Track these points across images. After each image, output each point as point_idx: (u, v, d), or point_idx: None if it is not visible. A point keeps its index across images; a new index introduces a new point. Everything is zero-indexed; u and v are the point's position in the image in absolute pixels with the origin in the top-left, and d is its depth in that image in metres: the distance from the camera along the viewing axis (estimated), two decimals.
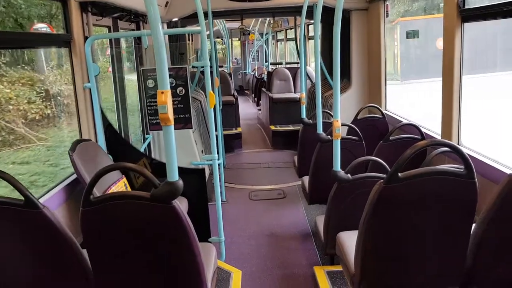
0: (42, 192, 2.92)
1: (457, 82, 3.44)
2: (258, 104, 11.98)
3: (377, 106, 4.82)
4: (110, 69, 4.36)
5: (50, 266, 2.14)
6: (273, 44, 14.14)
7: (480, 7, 3.17)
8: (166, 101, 1.75)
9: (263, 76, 12.13)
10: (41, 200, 2.67)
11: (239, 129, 8.29)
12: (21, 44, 3.31)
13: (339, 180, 2.87)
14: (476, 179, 1.95)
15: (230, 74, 10.88)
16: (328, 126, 3.75)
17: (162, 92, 1.76)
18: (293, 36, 13.16)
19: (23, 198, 1.96)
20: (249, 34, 14.94)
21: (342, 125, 3.88)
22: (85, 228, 1.99)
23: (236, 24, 13.85)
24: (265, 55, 14.53)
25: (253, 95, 13.86)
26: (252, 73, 14.99)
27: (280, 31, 13.76)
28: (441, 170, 1.97)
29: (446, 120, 3.57)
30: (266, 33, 13.74)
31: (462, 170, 1.96)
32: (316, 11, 3.97)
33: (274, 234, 4.40)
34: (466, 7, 3.26)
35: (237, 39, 16.42)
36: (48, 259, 2.12)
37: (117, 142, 3.73)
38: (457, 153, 1.99)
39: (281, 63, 13.04)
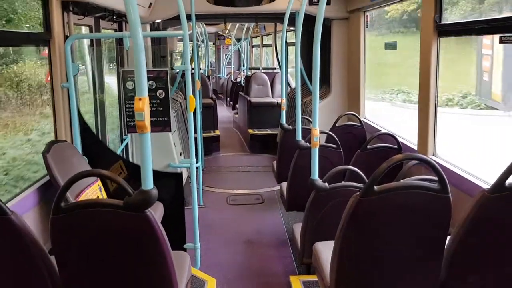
0: (13, 193, 2.85)
1: (433, 95, 3.53)
2: (234, 108, 12.03)
3: (356, 114, 4.90)
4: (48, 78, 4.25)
5: (16, 274, 2.07)
6: (248, 49, 14.27)
7: (455, 23, 3.28)
8: (143, 108, 1.73)
9: (240, 80, 12.20)
10: (12, 203, 2.61)
11: (217, 132, 8.29)
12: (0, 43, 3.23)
13: (316, 188, 2.90)
14: (449, 194, 2.00)
15: (208, 77, 10.89)
16: (307, 132, 3.80)
17: (140, 99, 1.73)
18: (269, 42, 13.34)
19: None
20: (224, 38, 15.03)
21: (321, 132, 3.94)
22: (54, 236, 1.95)
23: (212, 29, 13.90)
24: (240, 60, 14.60)
25: (228, 98, 13.93)
26: (227, 77, 15.07)
27: (256, 37, 13.89)
28: (416, 184, 2.02)
29: (422, 132, 3.66)
30: (245, 38, 13.83)
31: (436, 184, 2.01)
32: (298, 18, 4.02)
33: (251, 240, 4.40)
34: (442, 22, 3.36)
35: (212, 43, 16.47)
36: (15, 266, 2.05)
37: (93, 144, 3.67)
38: (431, 168, 2.04)
39: (258, 68, 13.15)
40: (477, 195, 1.94)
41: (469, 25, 3.06)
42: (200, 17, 6.18)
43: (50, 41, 3.32)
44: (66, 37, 3.43)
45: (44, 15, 3.30)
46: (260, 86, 9.49)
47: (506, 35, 2.54)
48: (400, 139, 3.95)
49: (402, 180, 2.42)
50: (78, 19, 3.76)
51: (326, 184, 2.89)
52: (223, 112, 12.63)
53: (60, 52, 3.38)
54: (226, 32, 12.25)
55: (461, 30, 3.21)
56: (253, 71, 12.15)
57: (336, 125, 4.65)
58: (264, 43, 13.91)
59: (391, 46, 4.75)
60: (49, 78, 3.81)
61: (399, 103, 5.92)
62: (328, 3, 5.60)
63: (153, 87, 3.59)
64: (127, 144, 4.97)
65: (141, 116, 1.74)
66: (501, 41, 2.57)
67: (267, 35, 13.00)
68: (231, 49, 15.27)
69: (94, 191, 3.10)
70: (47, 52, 3.43)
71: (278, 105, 8.32)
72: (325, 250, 2.63)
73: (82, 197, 2.89)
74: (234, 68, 15.01)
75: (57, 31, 3.34)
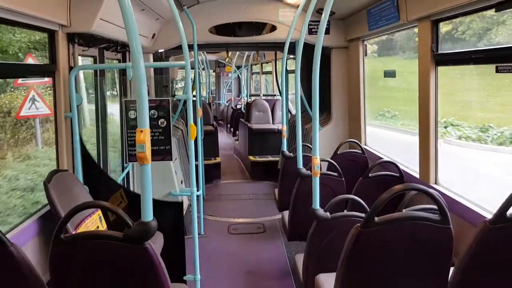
0: (14, 223, 2.84)
1: (433, 123, 3.56)
2: (234, 134, 12.09)
3: (357, 141, 4.92)
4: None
5: None
6: (247, 76, 14.51)
7: (452, 52, 3.33)
8: (144, 140, 1.75)
9: (240, 107, 12.29)
10: (12, 233, 2.61)
11: (218, 159, 8.29)
12: (6, 74, 3.30)
13: (318, 218, 2.87)
14: (451, 225, 1.99)
15: (209, 104, 11.00)
16: (308, 160, 3.79)
17: (141, 131, 1.76)
18: (269, 69, 13.58)
19: None
20: (224, 66, 15.28)
21: (322, 160, 3.94)
22: (54, 267, 1.93)
23: (212, 57, 14.18)
24: (239, 87, 14.77)
25: (228, 125, 14.02)
26: (227, 104, 15.21)
27: (256, 64, 14.13)
28: (416, 215, 2.01)
29: (424, 160, 3.66)
30: (246, 66, 14.06)
31: (437, 215, 2.00)
32: (297, 47, 4.10)
33: (252, 272, 4.32)
34: (440, 52, 3.42)
35: (212, 70, 16.79)
36: None
37: (94, 173, 3.68)
38: (431, 199, 2.03)
39: (258, 95, 13.31)
40: (478, 226, 1.92)
41: (466, 55, 3.11)
42: (202, 47, 6.31)
43: (55, 72, 3.39)
44: (70, 68, 3.50)
45: (50, 47, 3.38)
46: (260, 112, 9.57)
47: (501, 64, 2.58)
48: (402, 167, 3.94)
49: (404, 210, 2.40)
50: (83, 50, 3.85)
51: (328, 213, 2.86)
52: (224, 138, 12.71)
53: (65, 82, 3.44)
54: (228, 60, 12.49)
55: (458, 60, 3.26)
56: (253, 97, 12.30)
57: (338, 152, 4.66)
58: (264, 70, 14.15)
59: (390, 74, 4.82)
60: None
61: (454, 141, 4.44)
62: (327, 32, 5.72)
63: (155, 116, 3.63)
64: (128, 172, 4.98)
65: (142, 148, 1.76)
66: (497, 71, 2.61)
67: (267, 63, 13.23)
68: (231, 76, 15.50)
69: (94, 221, 3.08)
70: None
71: (279, 132, 8.35)
72: (328, 282, 2.59)
73: (82, 228, 2.88)
74: (234, 95, 15.19)
75: (62, 63, 3.41)
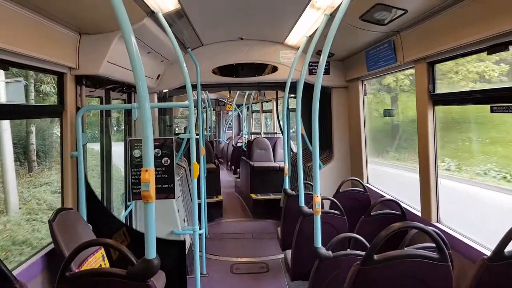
0: (19, 261, 2.84)
1: (433, 162, 3.61)
2: (235, 172, 12.09)
3: (359, 180, 4.94)
4: None
5: None
6: (247, 115, 14.75)
7: (448, 93, 3.44)
8: (149, 179, 1.80)
9: (241, 144, 12.39)
10: (18, 270, 2.61)
11: (220, 197, 8.26)
12: (17, 116, 3.40)
13: (320, 257, 2.86)
14: (449, 263, 2.00)
15: (211, 142, 11.09)
16: (310, 198, 3.81)
17: (146, 170, 1.82)
18: (269, 108, 13.81)
19: None
20: (224, 104, 15.53)
21: (324, 199, 3.96)
22: None
23: (212, 95, 14.48)
24: (239, 125, 14.90)
25: (229, 163, 14.09)
26: (227, 142, 15.33)
27: (256, 103, 14.39)
28: (415, 253, 2.02)
29: (425, 199, 3.67)
30: (246, 104, 14.31)
31: (436, 253, 2.01)
32: (298, 87, 4.23)
33: None
34: (436, 92, 3.53)
35: (212, 109, 17.11)
36: None
37: (98, 211, 3.70)
38: (429, 236, 2.05)
39: (259, 133, 13.44)
40: (477, 263, 1.93)
41: (462, 95, 3.21)
42: (205, 87, 6.48)
43: (63, 113, 3.50)
44: (77, 108, 3.61)
45: (59, 89, 3.51)
46: (262, 150, 9.64)
47: (496, 105, 2.67)
48: (403, 205, 3.95)
49: (405, 248, 2.41)
50: (90, 91, 3.98)
51: (330, 252, 2.86)
52: (224, 176, 12.74)
53: (71, 122, 3.54)
54: (230, 100, 12.76)
55: (454, 100, 3.36)
56: (254, 135, 12.42)
57: (340, 190, 4.68)
58: (264, 108, 14.39)
59: (389, 113, 4.92)
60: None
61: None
62: (327, 73, 5.90)
63: (159, 154, 3.70)
64: (131, 211, 4.98)
65: (147, 187, 1.81)
66: (492, 111, 2.69)
67: (267, 101, 13.47)
68: (232, 115, 15.72)
69: (97, 259, 3.07)
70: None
71: (281, 170, 8.39)
72: None
73: (85, 266, 2.87)
74: (234, 132, 15.35)
75: (70, 103, 3.53)
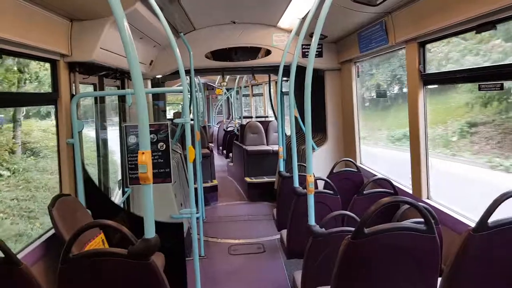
0: (20, 247, 2.90)
1: (423, 141, 3.68)
2: (227, 157, 12.15)
3: (352, 160, 5.02)
4: None
5: None
6: (237, 98, 14.74)
7: (438, 72, 3.50)
8: (146, 161, 1.86)
9: (233, 129, 12.43)
10: (20, 255, 2.68)
11: (214, 182, 8.35)
12: (12, 104, 3.42)
13: (313, 234, 2.95)
14: (435, 234, 2.08)
15: (204, 127, 11.12)
16: (304, 179, 3.87)
17: (143, 153, 1.87)
18: (259, 92, 13.78)
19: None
20: (213, 88, 15.44)
21: (318, 179, 4.04)
22: (62, 285, 2.00)
23: (202, 80, 14.45)
24: (229, 109, 14.80)
25: (220, 147, 14.15)
26: (217, 126, 15.35)
27: (246, 87, 14.34)
28: (403, 226, 2.10)
29: (415, 177, 3.76)
30: (237, 89, 14.25)
31: (423, 225, 2.09)
32: (291, 70, 4.26)
33: None
34: (427, 72, 3.58)
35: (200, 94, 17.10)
36: None
37: (96, 197, 3.75)
38: (416, 210, 2.13)
39: (251, 117, 13.47)
40: (462, 234, 2.01)
41: (451, 75, 3.26)
42: (199, 71, 6.48)
43: (57, 100, 3.51)
44: (72, 96, 3.62)
45: (52, 77, 3.51)
46: (255, 134, 9.70)
47: (484, 83, 2.73)
48: (395, 184, 4.04)
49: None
50: (83, 78, 3.98)
51: (323, 229, 2.94)
52: (217, 161, 12.82)
53: (66, 109, 3.55)
54: (223, 84, 12.77)
55: (444, 79, 3.41)
56: (245, 120, 12.47)
57: (334, 171, 4.76)
58: (254, 92, 14.35)
59: (381, 95, 4.97)
60: None
61: None
62: (320, 55, 5.91)
63: (155, 140, 3.74)
64: (128, 196, 5.04)
65: (144, 169, 1.86)
66: (480, 89, 2.75)
67: (257, 85, 13.44)
68: (221, 99, 15.66)
69: (97, 243, 3.14)
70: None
71: (274, 153, 8.47)
72: None
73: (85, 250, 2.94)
74: (225, 117, 15.33)
75: (64, 91, 3.54)
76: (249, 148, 8.96)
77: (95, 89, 4.53)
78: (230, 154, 11.11)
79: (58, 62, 3.47)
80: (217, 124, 16.26)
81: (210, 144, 14.97)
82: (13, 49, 2.81)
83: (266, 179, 8.22)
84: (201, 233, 5.45)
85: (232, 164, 10.55)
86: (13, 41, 2.70)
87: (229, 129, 13.38)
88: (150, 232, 1.94)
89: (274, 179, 7.55)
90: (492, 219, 1.99)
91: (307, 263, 3.05)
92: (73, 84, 3.71)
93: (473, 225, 2.88)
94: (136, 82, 1.91)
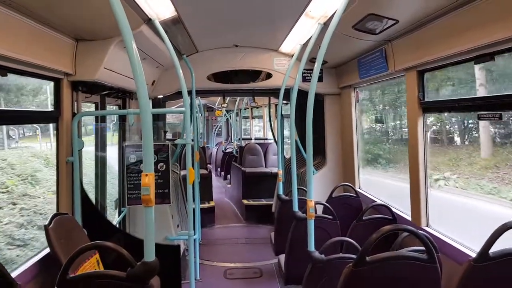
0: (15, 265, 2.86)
1: (422, 167, 3.69)
2: (225, 178, 12.10)
3: (351, 185, 5.02)
4: None
5: None
6: (236, 120, 14.81)
7: (437, 100, 3.54)
8: (149, 183, 1.84)
9: (231, 150, 12.44)
10: (14, 274, 2.63)
11: (212, 203, 8.28)
12: (14, 121, 3.42)
13: (313, 260, 2.92)
14: (437, 264, 2.06)
15: (203, 148, 11.14)
16: (304, 203, 3.87)
17: (147, 175, 1.85)
18: (258, 114, 13.86)
19: None
20: (213, 110, 15.54)
21: (317, 204, 4.02)
22: None
23: (202, 101, 14.59)
24: (228, 130, 14.84)
25: (219, 168, 14.14)
26: (216, 148, 15.41)
27: (246, 109, 14.43)
28: (405, 255, 2.09)
29: (414, 204, 3.75)
30: (237, 110, 14.34)
31: (424, 254, 2.08)
32: (292, 94, 4.30)
33: None
34: (426, 100, 3.62)
35: (200, 114, 17.23)
36: None
37: (93, 216, 3.72)
38: (418, 238, 2.12)
39: (250, 139, 13.50)
40: (463, 265, 2.00)
41: (450, 103, 3.30)
42: (200, 93, 6.53)
43: (59, 118, 3.52)
44: (73, 114, 3.63)
45: (55, 95, 3.54)
46: (254, 156, 9.70)
47: (482, 112, 2.76)
48: (394, 210, 4.02)
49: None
50: (85, 97, 4.01)
51: (323, 255, 2.91)
52: (214, 182, 12.76)
53: (67, 128, 3.56)
54: (224, 106, 12.88)
55: (443, 107, 3.45)
56: (244, 141, 12.50)
57: (332, 195, 4.74)
58: (254, 115, 14.43)
59: (379, 121, 5.01)
60: None
61: None
62: (320, 80, 5.99)
63: (155, 160, 3.73)
64: (124, 216, 4.99)
65: (147, 191, 1.85)
66: (479, 118, 2.78)
67: (257, 107, 13.53)
68: (221, 120, 15.73)
69: (92, 264, 3.09)
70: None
71: (272, 175, 8.46)
72: None
73: (80, 271, 2.89)
74: (223, 138, 15.36)
75: (66, 109, 3.56)
76: (248, 169, 8.93)
77: (96, 108, 4.55)
78: (228, 176, 11.07)
79: (61, 80, 3.51)
80: (216, 145, 16.30)
81: (209, 165, 14.99)
82: (17, 67, 2.84)
83: (264, 201, 8.17)
84: (197, 256, 5.37)
85: (230, 185, 10.51)
86: (18, 59, 2.73)
87: (227, 150, 13.40)
88: (150, 255, 1.91)
89: (272, 202, 7.51)
90: (493, 249, 1.98)
91: None
92: (75, 103, 3.73)
93: (471, 253, 2.88)
94: (142, 102, 1.92)
